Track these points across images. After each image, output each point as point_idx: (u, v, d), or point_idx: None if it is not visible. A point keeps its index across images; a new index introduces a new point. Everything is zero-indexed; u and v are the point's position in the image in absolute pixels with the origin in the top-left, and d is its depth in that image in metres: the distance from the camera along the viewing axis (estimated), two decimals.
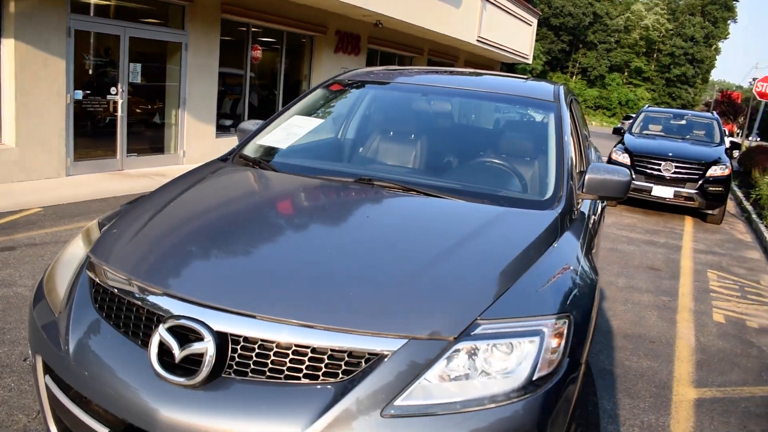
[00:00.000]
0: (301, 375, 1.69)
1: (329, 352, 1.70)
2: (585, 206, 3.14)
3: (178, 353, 1.71)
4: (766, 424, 3.56)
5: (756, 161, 15.22)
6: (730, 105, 39.12)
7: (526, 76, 4.17)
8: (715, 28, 64.37)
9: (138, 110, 9.42)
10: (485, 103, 3.69)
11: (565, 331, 1.92)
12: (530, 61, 25.81)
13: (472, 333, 1.77)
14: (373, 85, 3.73)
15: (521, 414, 1.71)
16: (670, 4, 66.95)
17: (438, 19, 15.13)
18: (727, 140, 11.90)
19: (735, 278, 6.84)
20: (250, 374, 1.71)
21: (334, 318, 1.74)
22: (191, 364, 1.72)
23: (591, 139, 5.14)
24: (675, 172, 9.71)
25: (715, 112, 12.90)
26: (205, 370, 1.68)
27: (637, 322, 5.02)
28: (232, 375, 1.71)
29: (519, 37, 22.31)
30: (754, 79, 34.07)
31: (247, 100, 11.74)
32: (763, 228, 9.46)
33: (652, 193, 9.80)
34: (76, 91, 8.14)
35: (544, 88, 3.60)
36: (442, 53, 19.49)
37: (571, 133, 3.25)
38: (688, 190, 9.61)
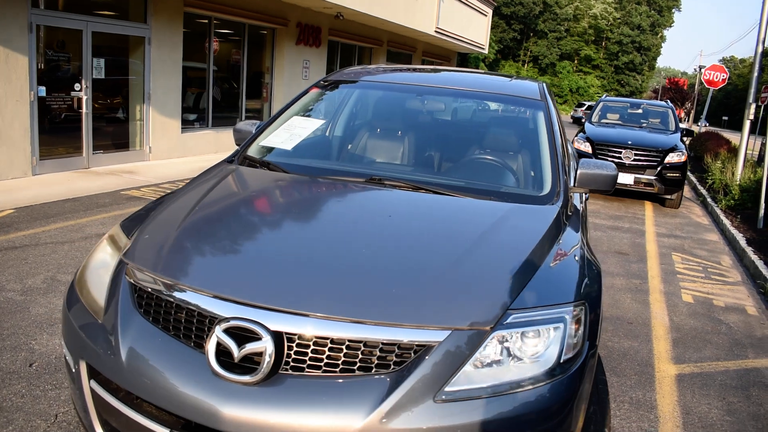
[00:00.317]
0: (355, 368, 1.80)
1: (380, 345, 1.81)
2: (576, 199, 3.33)
3: (237, 353, 1.79)
4: (743, 396, 3.83)
5: (706, 147, 15.89)
6: (677, 91, 40.48)
7: (510, 75, 4.32)
8: (660, 16, 66.24)
9: (102, 106, 9.24)
10: (482, 104, 3.82)
11: (583, 317, 2.09)
12: (486, 51, 26.17)
13: (504, 322, 1.92)
14: (368, 86, 3.83)
15: (553, 394, 1.87)
16: None
17: (397, 10, 15.24)
18: (682, 125, 12.40)
19: (698, 260, 7.21)
20: (306, 370, 1.80)
21: (384, 313, 1.85)
22: (247, 363, 1.80)
23: None
24: (635, 160, 10.09)
25: (668, 101, 13.39)
26: (264, 368, 1.76)
27: (613, 305, 5.27)
28: (289, 371, 1.80)
29: (475, 27, 22.62)
30: (700, 67, 35.34)
31: (211, 93, 11.62)
32: (718, 211, 9.94)
33: None
34: (39, 87, 7.94)
35: (530, 87, 3.77)
36: (401, 44, 19.61)
37: (558, 130, 3.43)
38: (647, 177, 10.01)
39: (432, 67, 4.63)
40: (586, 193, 4.06)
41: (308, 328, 1.82)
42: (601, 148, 10.35)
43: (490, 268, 2.16)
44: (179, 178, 8.81)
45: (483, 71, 4.88)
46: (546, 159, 3.09)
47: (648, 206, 10.46)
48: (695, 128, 23.80)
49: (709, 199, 11.14)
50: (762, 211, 8.73)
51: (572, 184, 3.12)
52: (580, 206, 3.32)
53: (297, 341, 1.82)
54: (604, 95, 13.71)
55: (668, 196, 10.30)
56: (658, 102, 13.29)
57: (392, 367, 1.80)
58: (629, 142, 10.28)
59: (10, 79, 7.46)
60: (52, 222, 6.00)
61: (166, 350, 1.90)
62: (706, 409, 3.62)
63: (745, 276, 6.72)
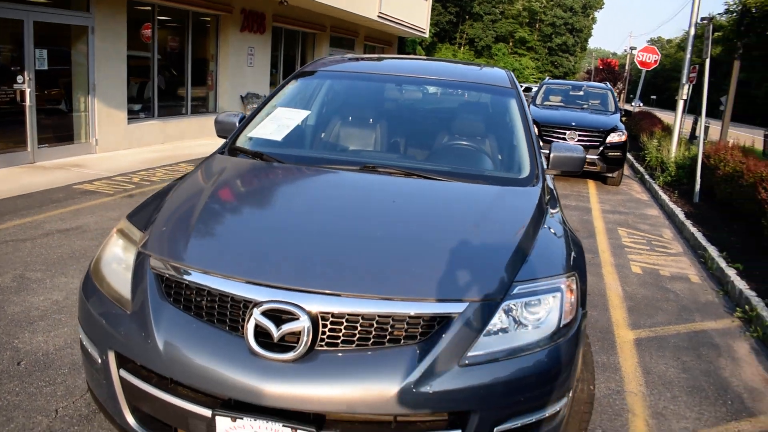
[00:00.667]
0: (385, 341, 1.97)
1: (407, 319, 1.99)
2: (549, 181, 3.58)
3: (276, 333, 1.92)
4: (694, 355, 4.20)
5: (641, 126, 16.64)
6: (609, 72, 42.00)
7: (479, 64, 4.52)
8: None
9: (46, 98, 8.95)
10: (462, 93, 4.01)
11: (574, 286, 2.33)
12: (427, 35, 26.44)
13: (511, 293, 2.13)
14: (348, 76, 3.95)
15: (557, 354, 2.11)
16: None
17: None
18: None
19: (642, 234, 7.67)
20: (340, 345, 1.95)
21: (408, 290, 2.04)
22: (283, 342, 1.94)
23: None
24: (578, 140, 10.54)
25: (607, 83, 13.96)
26: (303, 345, 1.91)
27: None
28: (324, 347, 1.95)
29: (416, 11, 22.80)
30: (631, 48, 36.67)
31: (156, 83, 11.39)
32: (657, 187, 10.52)
33: None
34: None
35: (501, 75, 3.99)
36: (344, 29, 19.60)
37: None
38: (590, 156, 10.46)
39: (407, 56, 4.79)
40: (552, 176, 4.34)
41: (341, 306, 1.97)
42: (546, 129, 10.75)
43: (494, 245, 2.37)
44: (131, 170, 8.66)
45: (454, 60, 5.07)
46: (522, 144, 3.32)
47: (591, 184, 10.96)
48: (629, 108, 24.81)
49: (647, 176, 11.74)
50: (698, 186, 9.31)
51: (546, 166, 3.37)
52: (552, 186, 3.57)
53: (331, 319, 1.96)
54: (546, 78, 14.19)
55: (610, 175, 10.81)
56: (599, 84, 13.86)
57: (419, 338, 1.98)
58: (573, 124, 10.72)
59: None
60: (8, 220, 5.85)
61: (202, 335, 2.00)
62: (664, 369, 3.96)
63: (685, 247, 7.20)
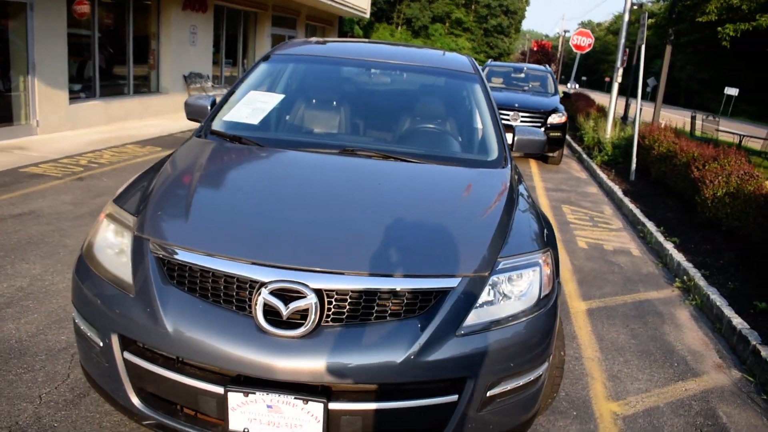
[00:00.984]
0: (387, 315, 2.11)
1: (407, 294, 2.13)
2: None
3: (284, 311, 2.02)
4: (641, 321, 4.55)
5: (577, 107, 17.26)
6: (543, 54, 43.10)
7: (442, 50, 4.67)
8: None
9: None
10: (428, 78, 4.14)
11: (550, 260, 2.54)
12: (368, 15, 26.39)
13: (497, 269, 2.31)
14: (317, 60, 4.03)
15: (541, 321, 2.32)
16: None
17: None
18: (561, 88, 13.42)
19: (584, 210, 8.08)
20: (345, 320, 2.08)
21: (407, 266, 2.18)
22: (290, 320, 2.04)
23: None
24: (522, 121, 10.90)
25: (547, 65, 14.40)
26: (311, 322, 2.02)
27: None
28: (330, 323, 2.07)
29: None
30: (565, 31, 37.74)
31: (97, 62, 11.01)
32: (594, 166, 11.03)
33: None
34: None
35: (463, 61, 4.16)
36: (285, 8, 19.34)
37: None
38: None
39: (371, 40, 4.88)
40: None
41: (344, 284, 2.09)
42: None
43: (478, 224, 2.54)
44: (77, 152, 8.41)
45: (417, 45, 5.20)
46: (490, 127, 3.50)
47: (533, 163, 11.37)
48: (565, 89, 25.60)
49: (584, 155, 12.27)
50: (633, 165, 9.84)
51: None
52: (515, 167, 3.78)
53: (335, 296, 2.08)
54: (489, 60, 14.49)
55: (551, 154, 11.24)
56: (539, 66, 14.30)
57: (418, 312, 2.13)
58: (516, 105, 11.07)
59: None
60: None
61: (209, 316, 2.07)
62: (615, 335, 4.28)
63: (625, 222, 7.65)
